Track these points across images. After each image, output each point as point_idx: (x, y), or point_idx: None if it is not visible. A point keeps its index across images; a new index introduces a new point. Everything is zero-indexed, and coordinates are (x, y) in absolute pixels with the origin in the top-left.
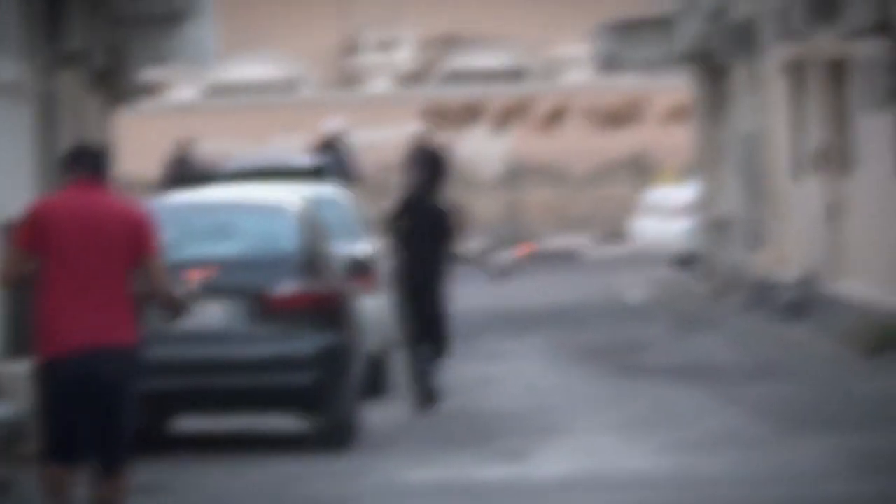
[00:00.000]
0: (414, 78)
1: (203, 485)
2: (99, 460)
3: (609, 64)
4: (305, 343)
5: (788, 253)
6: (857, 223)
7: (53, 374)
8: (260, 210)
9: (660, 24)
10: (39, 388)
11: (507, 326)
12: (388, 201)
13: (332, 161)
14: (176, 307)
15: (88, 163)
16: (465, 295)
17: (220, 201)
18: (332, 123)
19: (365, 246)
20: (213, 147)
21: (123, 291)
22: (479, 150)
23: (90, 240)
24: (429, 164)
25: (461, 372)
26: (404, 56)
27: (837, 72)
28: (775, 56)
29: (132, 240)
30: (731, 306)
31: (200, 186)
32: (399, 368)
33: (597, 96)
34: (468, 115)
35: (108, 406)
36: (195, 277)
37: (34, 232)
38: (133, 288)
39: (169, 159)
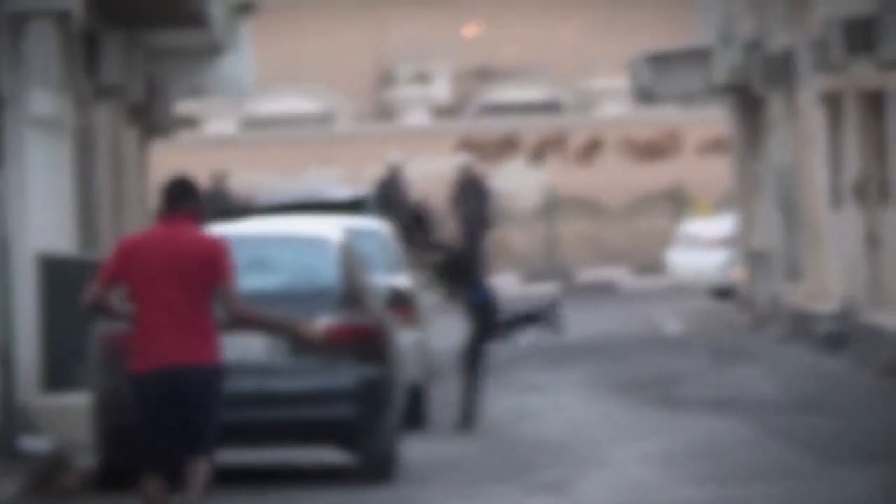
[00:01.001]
0: (449, 111)
1: None
2: (186, 453)
3: (645, 96)
4: (346, 376)
5: (827, 284)
6: None
7: (143, 391)
8: (300, 243)
9: (696, 56)
10: (134, 403)
11: (544, 359)
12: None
13: (391, 192)
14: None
15: (186, 199)
16: None
17: (260, 234)
18: (395, 155)
19: (405, 278)
20: (249, 180)
21: (203, 316)
22: (515, 183)
23: (170, 270)
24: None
25: (500, 404)
26: (439, 89)
27: (875, 102)
28: (812, 87)
29: (207, 268)
30: (769, 338)
31: (240, 219)
32: (438, 400)
33: (633, 128)
34: (504, 147)
35: (193, 417)
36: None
37: (117, 266)
38: (214, 313)
39: (204, 192)
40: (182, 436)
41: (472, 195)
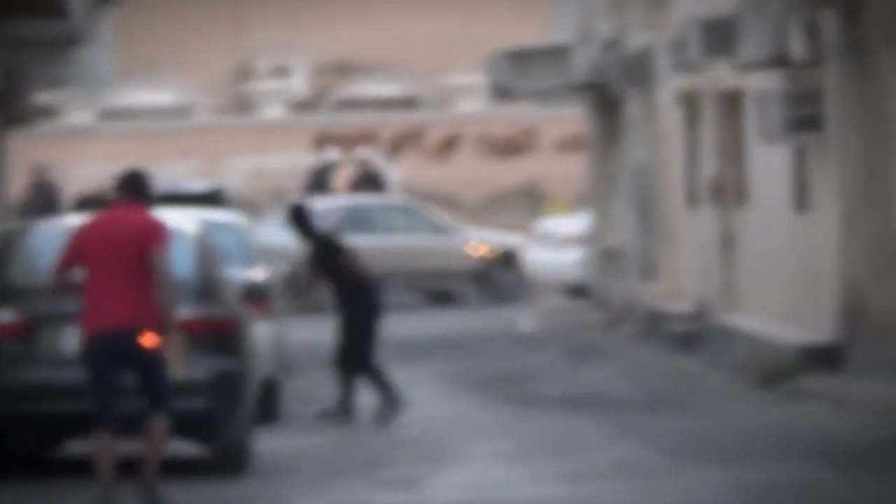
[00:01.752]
0: (307, 105)
1: None
2: (146, 404)
3: (503, 93)
4: (200, 368)
5: (681, 284)
6: (751, 256)
7: (92, 351)
8: None
9: (555, 54)
10: (83, 364)
11: (397, 354)
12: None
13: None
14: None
15: (126, 187)
16: None
17: None
18: (332, 154)
19: (261, 271)
20: (106, 171)
21: (145, 284)
22: None
23: (119, 245)
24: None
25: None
26: (297, 83)
27: (732, 103)
28: (670, 87)
29: (149, 242)
30: (623, 337)
31: (96, 210)
32: (292, 394)
33: (490, 125)
34: (361, 142)
35: (141, 367)
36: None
37: (74, 247)
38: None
39: (29, 185)
40: (141, 393)
41: (369, 189)
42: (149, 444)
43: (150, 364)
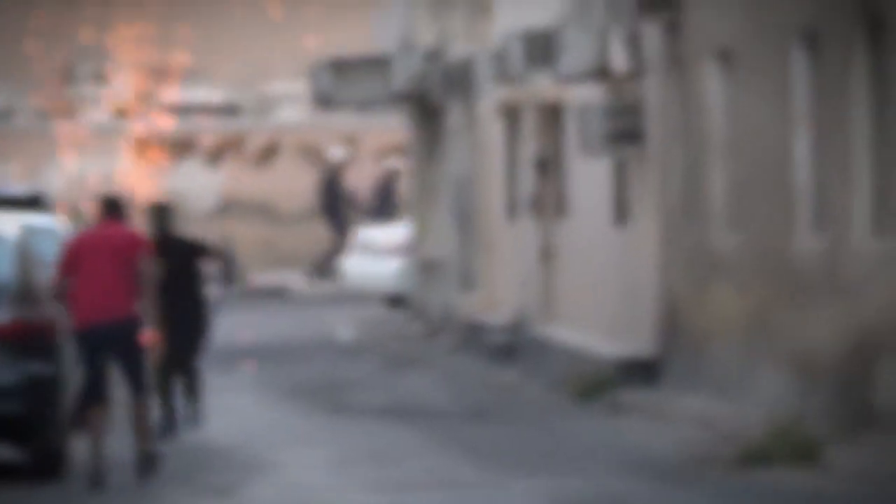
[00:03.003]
0: (128, 110)
1: None
2: (129, 390)
3: (324, 101)
4: (15, 372)
5: (500, 295)
6: (570, 268)
7: (83, 341)
8: None
9: (376, 64)
10: (78, 351)
11: (214, 361)
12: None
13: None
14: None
15: (108, 209)
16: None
17: None
18: (337, 153)
19: None
20: None
21: (129, 285)
22: (191, 184)
23: (107, 253)
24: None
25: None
26: (118, 88)
27: (553, 115)
28: (491, 98)
29: (132, 251)
30: (441, 347)
31: None
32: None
33: (311, 133)
34: (181, 148)
35: (123, 355)
36: None
37: (69, 259)
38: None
39: None
40: (123, 376)
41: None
42: (139, 425)
43: (132, 353)
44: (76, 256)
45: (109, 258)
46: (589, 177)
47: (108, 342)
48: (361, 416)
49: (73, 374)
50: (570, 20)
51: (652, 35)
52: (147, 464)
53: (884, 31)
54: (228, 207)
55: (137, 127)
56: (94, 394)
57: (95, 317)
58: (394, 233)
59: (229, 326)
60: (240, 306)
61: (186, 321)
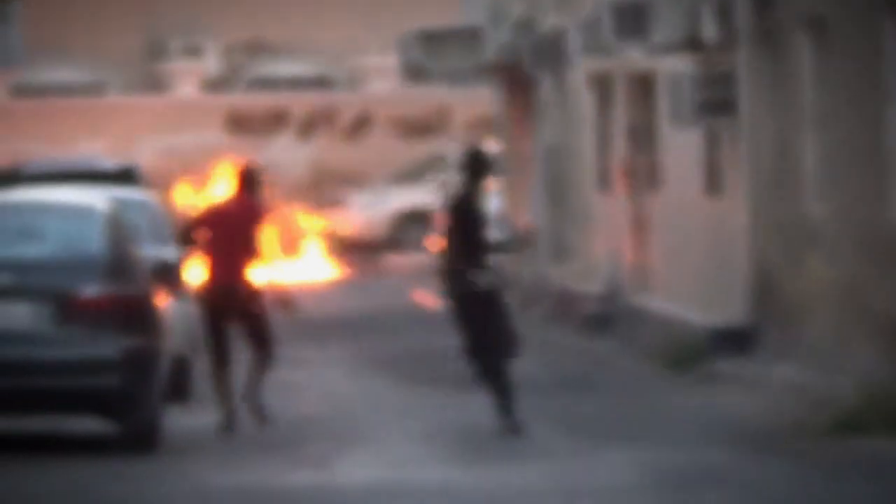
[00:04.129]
0: (219, 84)
1: (5, 485)
2: (251, 344)
3: (415, 73)
4: (110, 345)
5: (593, 266)
6: (662, 239)
7: (205, 303)
8: (66, 211)
9: (467, 35)
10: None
11: (308, 334)
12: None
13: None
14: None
15: (241, 181)
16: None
17: (25, 202)
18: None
19: (173, 250)
20: (19, 148)
21: (249, 253)
22: (284, 157)
23: (233, 223)
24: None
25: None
26: (209, 62)
27: (644, 86)
28: (582, 69)
29: (255, 222)
30: (534, 318)
31: (5, 188)
32: (203, 373)
33: (401, 106)
34: (273, 122)
35: (247, 316)
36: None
37: (203, 217)
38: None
39: None
40: (248, 343)
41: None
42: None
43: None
44: (209, 217)
45: (236, 229)
46: (680, 147)
47: (230, 307)
48: (452, 388)
49: (166, 349)
50: None
51: (742, 6)
52: (255, 417)
53: None
54: (321, 180)
55: (230, 100)
56: (219, 356)
57: (220, 283)
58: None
59: (324, 299)
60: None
61: None
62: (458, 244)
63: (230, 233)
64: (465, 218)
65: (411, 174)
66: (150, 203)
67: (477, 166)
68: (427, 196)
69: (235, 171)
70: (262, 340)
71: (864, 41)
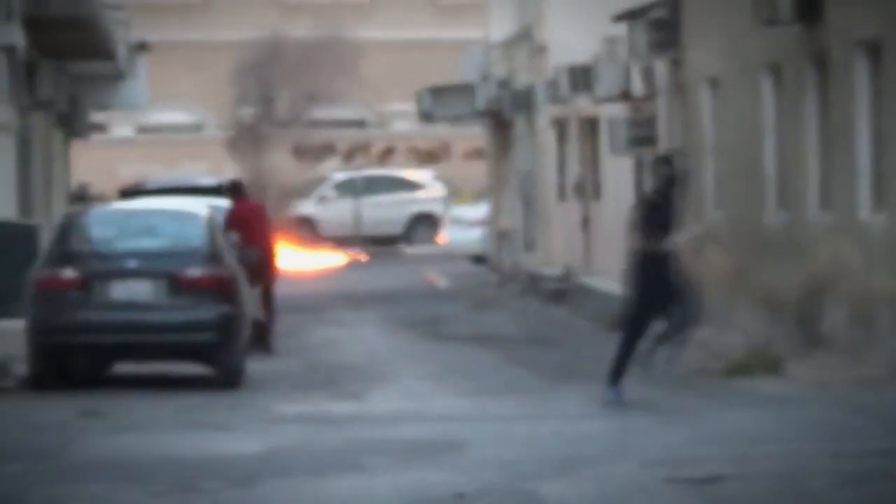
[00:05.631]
0: (286, 123)
1: (132, 411)
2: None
3: (426, 117)
4: (208, 311)
5: (553, 255)
6: (603, 234)
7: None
8: (176, 215)
9: (464, 89)
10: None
11: (347, 302)
12: None
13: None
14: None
15: (237, 189)
16: (319, 280)
17: (147, 209)
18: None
19: None
20: (141, 171)
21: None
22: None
23: (254, 219)
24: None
25: (315, 334)
26: (280, 107)
27: (591, 126)
28: (546, 114)
29: (263, 217)
30: (511, 292)
31: (132, 199)
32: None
33: (416, 140)
34: (325, 151)
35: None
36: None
37: (234, 219)
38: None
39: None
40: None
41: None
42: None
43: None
44: (239, 217)
45: (258, 220)
46: (616, 170)
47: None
48: (453, 342)
49: (248, 314)
50: (602, 57)
51: (661, 68)
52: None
53: None
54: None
55: (294, 134)
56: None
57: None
58: (477, 210)
59: (357, 278)
60: (367, 264)
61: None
62: (659, 228)
63: (257, 224)
64: (665, 208)
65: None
66: None
67: (667, 169)
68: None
69: (234, 185)
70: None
71: (748, 94)
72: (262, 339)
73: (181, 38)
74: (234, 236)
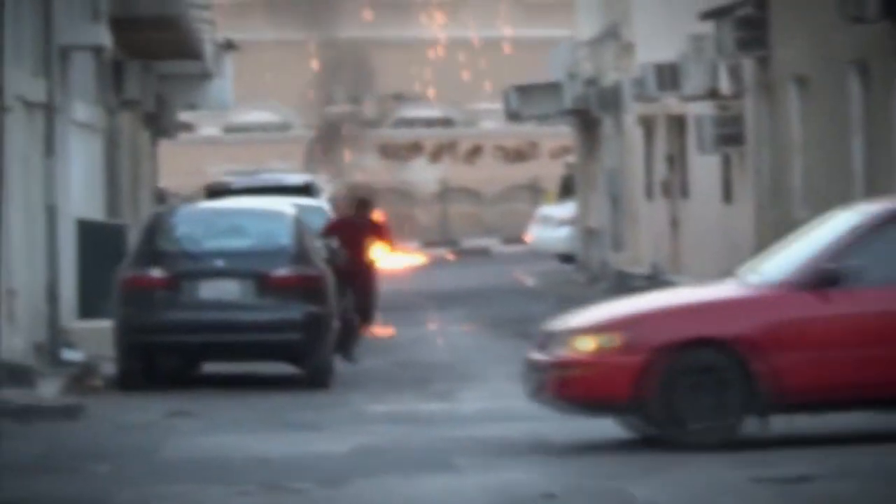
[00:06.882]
0: (374, 123)
1: (221, 411)
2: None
3: (513, 116)
4: (296, 311)
5: (641, 254)
6: (690, 234)
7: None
8: (263, 215)
9: (551, 88)
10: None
11: (435, 302)
12: None
13: None
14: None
15: (364, 206)
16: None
17: (234, 208)
18: None
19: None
20: (229, 169)
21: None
22: (418, 176)
23: (357, 231)
24: None
25: (404, 333)
26: (367, 106)
27: (678, 124)
28: (633, 112)
29: (371, 232)
30: (599, 291)
31: (221, 198)
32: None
33: (504, 139)
34: (412, 150)
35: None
36: None
37: (334, 227)
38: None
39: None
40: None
41: None
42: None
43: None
44: (339, 227)
45: (359, 233)
46: (703, 168)
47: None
48: None
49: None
50: (689, 55)
51: (748, 66)
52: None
53: None
54: (446, 192)
55: (381, 134)
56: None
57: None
58: (565, 209)
59: (447, 277)
60: (455, 263)
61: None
62: None
63: (356, 236)
64: None
65: None
66: (323, 209)
67: None
68: None
69: (362, 202)
70: (365, 303)
71: (835, 92)
72: (345, 346)
73: (267, 38)
74: (334, 241)
